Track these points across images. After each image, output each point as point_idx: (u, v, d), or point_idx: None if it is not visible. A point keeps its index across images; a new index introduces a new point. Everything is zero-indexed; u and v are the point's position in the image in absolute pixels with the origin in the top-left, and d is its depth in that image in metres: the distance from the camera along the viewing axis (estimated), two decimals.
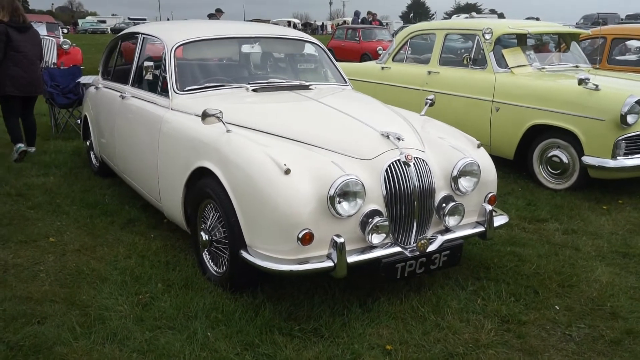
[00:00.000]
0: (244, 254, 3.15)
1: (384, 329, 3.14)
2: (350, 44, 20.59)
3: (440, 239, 3.38)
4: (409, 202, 3.27)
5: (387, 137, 3.35)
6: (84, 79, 7.72)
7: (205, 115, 3.35)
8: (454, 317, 3.26)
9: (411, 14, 78.82)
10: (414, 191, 3.27)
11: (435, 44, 7.10)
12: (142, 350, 2.89)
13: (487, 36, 6.30)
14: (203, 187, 3.52)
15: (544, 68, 6.36)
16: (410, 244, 3.30)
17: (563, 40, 7.03)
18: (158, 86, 4.35)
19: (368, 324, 3.16)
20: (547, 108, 5.62)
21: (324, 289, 3.46)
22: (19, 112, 6.61)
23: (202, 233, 3.54)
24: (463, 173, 3.51)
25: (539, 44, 7.01)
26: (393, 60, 7.77)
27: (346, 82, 4.85)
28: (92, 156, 5.98)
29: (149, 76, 4.37)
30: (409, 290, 3.51)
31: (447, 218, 3.43)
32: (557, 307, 3.43)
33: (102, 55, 5.88)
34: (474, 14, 26.34)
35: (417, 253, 3.26)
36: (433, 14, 76.12)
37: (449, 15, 67.28)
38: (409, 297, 3.43)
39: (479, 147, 3.80)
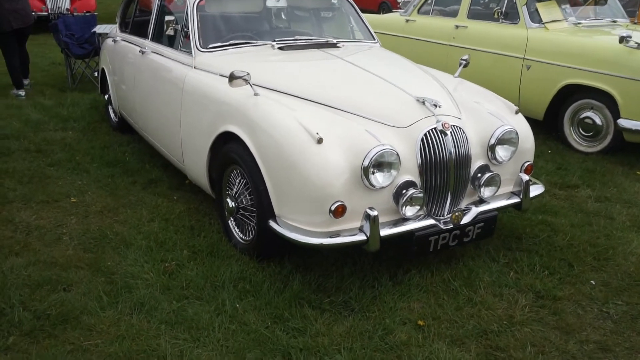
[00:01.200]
0: (273, 224, 3.06)
1: (415, 303, 3.06)
2: None
3: (475, 211, 3.26)
4: (444, 172, 3.13)
5: (423, 102, 3.18)
6: (99, 29, 7.51)
7: (232, 78, 3.19)
8: (486, 292, 3.17)
9: None
10: (450, 161, 3.13)
11: None
12: (170, 321, 2.84)
13: None
14: (229, 152, 3.40)
15: (580, 23, 6.06)
16: (443, 215, 3.18)
17: None
18: (179, 42, 4.17)
19: (399, 298, 3.08)
20: (582, 67, 5.37)
21: (353, 260, 3.37)
22: (17, 50, 7.09)
23: (229, 200, 3.44)
24: (501, 141, 3.35)
25: None
26: (418, 12, 7.46)
27: (374, 40, 4.63)
28: (111, 111, 5.86)
29: (169, 31, 4.19)
30: (440, 262, 3.41)
31: (482, 189, 3.30)
32: (592, 282, 3.32)
33: (119, 7, 5.66)
34: None
35: (451, 225, 3.15)
36: None
37: None
38: (440, 270, 3.34)
39: (517, 113, 3.62)
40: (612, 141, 5.34)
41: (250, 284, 3.13)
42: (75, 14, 12.78)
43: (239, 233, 3.49)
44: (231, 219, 3.51)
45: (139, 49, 4.73)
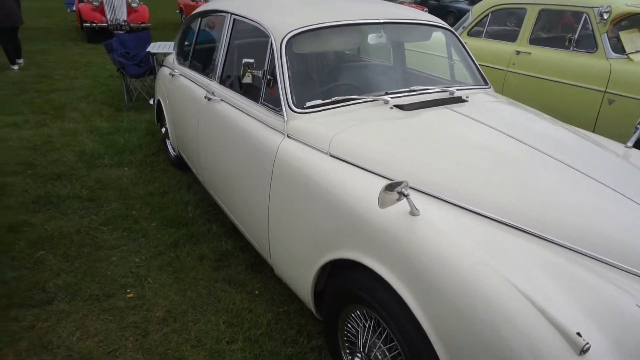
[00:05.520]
0: None
1: None
2: None
3: None
4: None
5: None
6: (153, 47, 5.56)
7: (390, 189, 1.40)
8: None
9: None
10: None
11: (526, 21, 4.83)
12: None
13: (606, 15, 4.08)
14: (353, 285, 1.65)
15: None
16: None
17: None
18: (261, 92, 2.33)
19: None
20: None
21: None
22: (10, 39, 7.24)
23: None
24: None
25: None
26: (468, 35, 5.51)
27: (487, 84, 2.78)
28: (169, 144, 4.02)
29: (247, 79, 2.34)
30: None
31: None
32: None
33: (177, 35, 3.74)
34: None
35: None
36: None
37: None
38: None
39: None
40: None
41: None
42: (131, 24, 10.71)
43: None
44: None
45: (203, 92, 2.86)
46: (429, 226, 1.45)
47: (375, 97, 2.23)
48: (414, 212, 1.48)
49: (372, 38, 2.55)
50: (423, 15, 2.81)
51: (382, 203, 1.42)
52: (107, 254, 2.77)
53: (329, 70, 2.45)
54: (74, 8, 12.83)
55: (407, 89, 2.35)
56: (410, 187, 1.62)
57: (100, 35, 10.46)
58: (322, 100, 2.17)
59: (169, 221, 3.13)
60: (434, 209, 1.52)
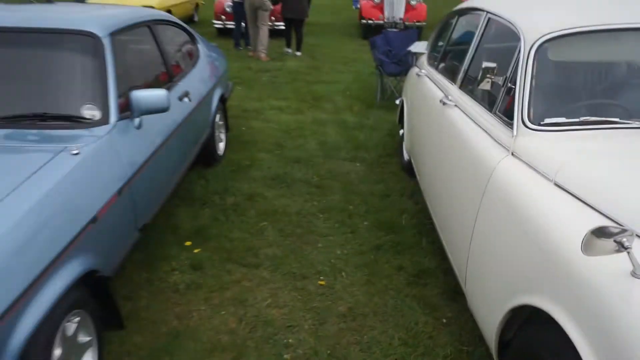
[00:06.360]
0: None
1: None
2: None
3: None
4: None
5: None
6: (414, 47, 5.99)
7: (604, 235, 1.27)
8: None
9: None
10: None
11: None
12: None
13: None
14: (540, 344, 1.53)
15: None
16: None
17: None
18: (498, 101, 2.33)
19: None
20: None
21: None
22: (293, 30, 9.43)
23: None
24: None
25: None
26: None
27: None
28: (404, 148, 4.33)
29: (485, 85, 2.37)
30: None
31: None
32: None
33: (432, 33, 4.00)
34: None
35: None
36: None
37: None
38: None
39: None
40: None
41: None
42: (407, 23, 11.68)
43: None
44: None
45: (441, 95, 3.02)
46: None
47: None
48: (636, 273, 1.29)
49: None
50: None
51: (588, 248, 1.29)
52: (315, 239, 3.25)
53: (587, 83, 2.24)
54: (359, 5, 14.82)
55: None
56: None
57: (376, 32, 11.79)
58: (567, 119, 2.03)
59: (380, 224, 3.42)
60: None
